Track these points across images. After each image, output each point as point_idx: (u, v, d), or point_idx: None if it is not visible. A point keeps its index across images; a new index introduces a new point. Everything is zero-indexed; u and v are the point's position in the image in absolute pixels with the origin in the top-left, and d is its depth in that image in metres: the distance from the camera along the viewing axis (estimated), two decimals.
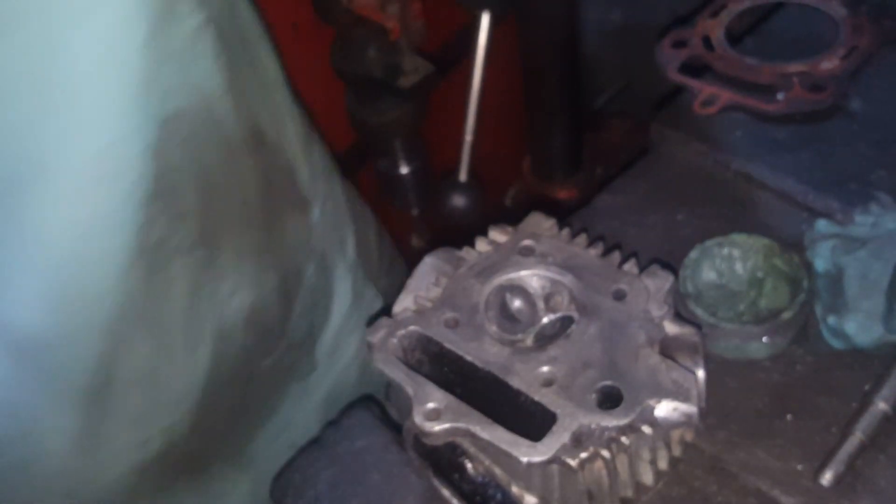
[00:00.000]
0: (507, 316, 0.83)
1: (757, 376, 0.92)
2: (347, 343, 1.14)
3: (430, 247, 0.90)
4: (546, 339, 0.81)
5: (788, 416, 0.89)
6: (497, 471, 0.77)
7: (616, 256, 0.85)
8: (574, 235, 0.87)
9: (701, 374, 0.79)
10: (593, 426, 0.72)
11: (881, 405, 0.85)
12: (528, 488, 0.78)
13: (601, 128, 1.71)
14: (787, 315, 0.91)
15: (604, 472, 0.75)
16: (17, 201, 0.76)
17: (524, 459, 0.71)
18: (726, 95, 1.12)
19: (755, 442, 0.87)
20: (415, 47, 1.22)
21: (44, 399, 0.84)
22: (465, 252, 0.87)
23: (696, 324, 0.86)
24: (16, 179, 0.76)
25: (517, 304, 0.83)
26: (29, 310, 0.80)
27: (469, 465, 0.85)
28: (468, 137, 1.33)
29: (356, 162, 1.34)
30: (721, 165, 1.10)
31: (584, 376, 0.75)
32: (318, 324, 1.10)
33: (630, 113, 1.71)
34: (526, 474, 0.76)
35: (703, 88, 1.14)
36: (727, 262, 0.97)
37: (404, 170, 1.35)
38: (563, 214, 0.99)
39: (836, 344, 0.92)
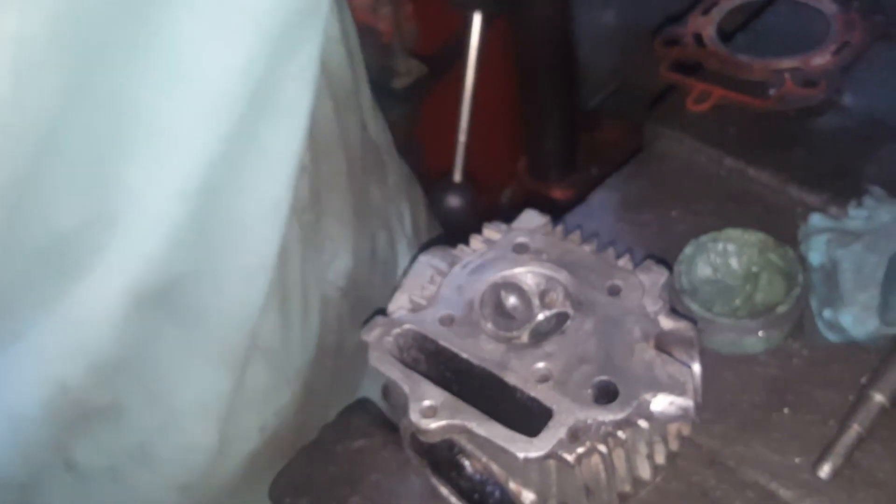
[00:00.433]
0: (502, 313, 0.83)
1: (753, 370, 0.92)
2: None
3: (425, 246, 0.90)
4: (541, 335, 0.81)
5: (785, 410, 0.89)
6: (494, 467, 0.77)
7: (610, 252, 0.85)
8: (568, 232, 0.88)
9: (697, 368, 0.79)
10: (589, 421, 0.72)
11: (878, 397, 0.85)
12: (526, 484, 0.78)
13: (596, 128, 1.71)
14: (782, 309, 0.91)
15: (601, 467, 0.75)
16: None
17: (521, 455, 0.71)
18: (718, 92, 1.13)
19: (753, 436, 0.87)
20: (408, 49, 1.22)
21: (196, 362, 0.82)
22: (460, 250, 0.87)
23: (691, 318, 0.86)
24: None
25: (512, 301, 0.84)
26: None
27: (467, 463, 0.85)
28: (462, 138, 1.34)
29: None
30: (714, 162, 1.10)
31: (580, 372, 0.76)
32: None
33: (624, 113, 1.71)
34: (523, 470, 0.76)
35: (695, 85, 1.14)
36: (722, 257, 0.97)
37: None
38: (558, 214, 0.99)
39: (832, 337, 0.92)
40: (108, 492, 0.83)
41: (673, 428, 0.81)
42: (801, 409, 0.89)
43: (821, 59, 1.12)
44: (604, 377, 0.75)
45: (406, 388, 0.76)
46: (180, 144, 0.72)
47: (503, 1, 1.34)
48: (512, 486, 0.78)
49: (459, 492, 0.87)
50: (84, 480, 0.81)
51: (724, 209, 1.05)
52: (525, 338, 0.81)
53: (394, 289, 0.86)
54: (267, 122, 0.76)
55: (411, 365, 0.79)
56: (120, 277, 0.74)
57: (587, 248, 0.85)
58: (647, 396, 0.74)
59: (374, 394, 0.98)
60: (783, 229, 1.00)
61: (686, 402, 0.75)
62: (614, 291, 0.81)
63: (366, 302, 1.01)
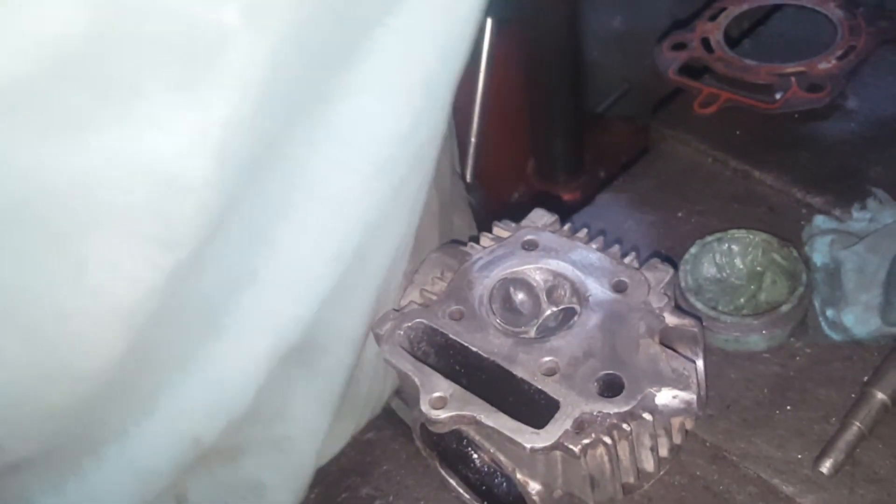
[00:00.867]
0: (510, 308, 0.85)
1: (757, 368, 0.93)
2: None
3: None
4: (549, 330, 0.83)
5: (788, 407, 0.90)
6: (502, 458, 0.79)
7: (616, 250, 0.87)
8: (575, 231, 0.89)
9: (700, 363, 0.80)
10: (595, 413, 0.74)
11: (879, 395, 0.87)
12: (533, 475, 0.80)
13: (603, 131, 1.73)
14: (785, 308, 0.92)
15: (605, 458, 0.76)
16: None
17: (528, 446, 0.73)
18: (725, 95, 1.14)
19: (755, 432, 0.89)
20: None
21: (311, 408, 0.84)
22: (470, 247, 0.89)
23: (696, 316, 0.87)
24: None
25: (520, 297, 0.85)
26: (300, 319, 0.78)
27: (475, 456, 0.87)
28: (472, 139, 1.35)
29: None
30: (720, 163, 1.12)
31: (586, 366, 0.77)
32: None
33: (632, 116, 1.73)
34: (530, 461, 0.78)
35: (702, 89, 1.16)
36: (727, 256, 0.99)
37: None
38: (566, 215, 1.01)
39: (835, 336, 0.94)
40: None
41: (677, 421, 0.82)
42: (803, 407, 0.90)
43: (826, 64, 1.14)
44: (609, 371, 0.76)
45: (417, 380, 0.78)
46: (343, 209, 0.74)
47: (514, 8, 1.36)
48: (519, 476, 0.80)
49: (467, 483, 0.89)
50: None
51: (729, 210, 1.07)
52: (532, 332, 0.83)
53: (405, 284, 0.88)
54: (414, 180, 0.79)
55: (422, 358, 0.81)
56: (266, 337, 0.75)
57: (594, 245, 0.87)
58: (652, 390, 0.76)
59: None
60: (787, 230, 1.01)
61: (689, 396, 0.76)
62: (620, 288, 0.82)
63: None
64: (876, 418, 0.87)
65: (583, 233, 0.89)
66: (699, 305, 0.93)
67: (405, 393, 0.91)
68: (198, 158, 0.59)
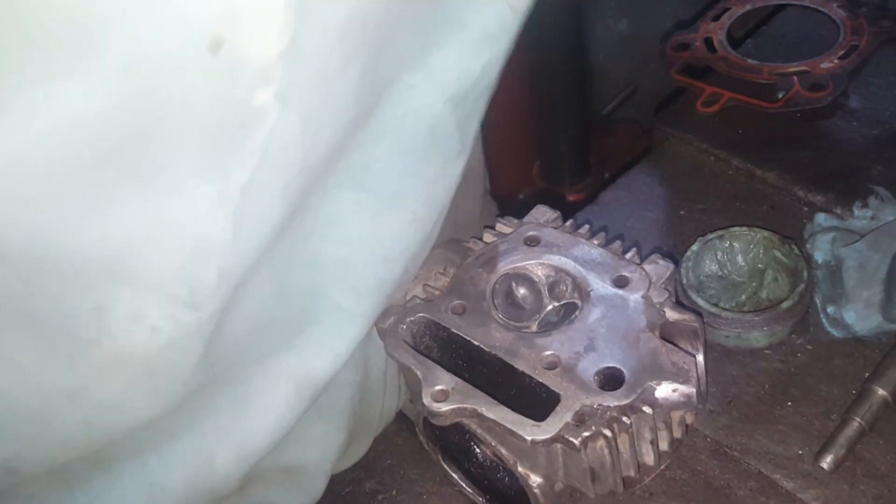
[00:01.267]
0: (512, 304, 0.86)
1: (758, 364, 0.94)
2: None
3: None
4: (550, 324, 0.83)
5: (789, 403, 0.91)
6: (503, 451, 0.80)
7: (618, 246, 0.87)
8: (577, 227, 0.90)
9: (700, 357, 0.81)
10: (596, 406, 0.75)
11: (880, 391, 0.87)
12: (534, 468, 0.80)
13: (609, 133, 1.73)
14: (787, 305, 0.93)
15: (606, 451, 0.77)
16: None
17: (529, 438, 0.73)
18: (728, 95, 1.15)
19: (756, 427, 0.89)
20: None
21: (317, 430, 0.86)
22: (473, 243, 0.90)
23: (696, 311, 0.88)
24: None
25: (522, 292, 0.86)
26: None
27: (477, 450, 0.88)
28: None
29: None
30: (723, 162, 1.13)
31: (587, 359, 0.78)
32: None
33: (637, 119, 1.73)
34: (531, 454, 0.79)
35: (705, 88, 1.17)
36: (728, 254, 1.00)
37: None
38: (569, 215, 1.02)
39: (836, 332, 0.94)
40: None
41: (677, 415, 0.83)
42: (804, 403, 0.91)
43: (828, 64, 1.15)
44: (610, 364, 0.77)
45: (419, 374, 0.78)
46: (358, 247, 0.76)
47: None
48: (520, 469, 0.80)
49: (469, 477, 0.89)
50: None
51: (731, 208, 1.08)
52: (534, 327, 0.84)
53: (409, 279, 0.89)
54: (427, 212, 0.81)
55: (424, 352, 0.82)
56: (290, 384, 0.76)
57: (595, 241, 0.88)
58: (652, 384, 0.76)
59: None
60: (789, 228, 1.02)
61: (689, 389, 0.77)
62: (621, 283, 0.83)
63: None
64: (877, 414, 0.87)
65: (584, 229, 0.90)
66: (701, 302, 0.94)
67: (408, 388, 0.91)
68: (218, 222, 0.61)
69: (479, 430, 0.80)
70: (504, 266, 0.86)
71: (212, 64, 0.54)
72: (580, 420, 0.75)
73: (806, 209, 1.05)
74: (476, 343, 0.81)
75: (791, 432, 0.89)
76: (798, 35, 1.23)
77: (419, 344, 0.83)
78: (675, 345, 0.81)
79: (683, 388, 0.77)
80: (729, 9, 1.26)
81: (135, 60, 0.53)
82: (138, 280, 0.61)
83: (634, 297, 0.82)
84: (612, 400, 0.75)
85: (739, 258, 1.00)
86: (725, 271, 1.00)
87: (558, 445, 0.76)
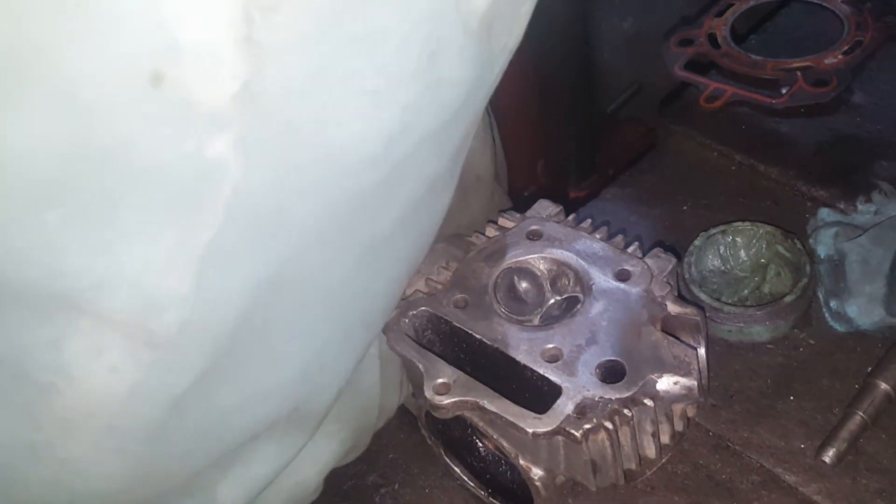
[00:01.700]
0: (514, 297, 0.86)
1: (760, 359, 0.94)
2: None
3: None
4: (552, 318, 0.84)
5: (791, 397, 0.91)
6: (505, 444, 0.80)
7: (620, 240, 0.88)
8: (579, 222, 0.90)
9: (702, 350, 0.81)
10: (597, 398, 0.75)
11: (883, 385, 0.87)
12: (535, 461, 0.80)
13: (614, 131, 1.73)
14: (789, 299, 0.93)
15: (607, 444, 0.77)
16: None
17: (530, 430, 0.74)
18: (731, 90, 1.15)
19: (758, 421, 0.89)
20: None
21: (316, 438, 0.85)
22: (475, 237, 0.90)
23: (698, 305, 0.88)
24: None
25: (524, 285, 0.87)
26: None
27: (479, 444, 0.88)
28: None
29: None
30: (726, 158, 1.13)
31: (589, 352, 0.78)
32: None
33: (642, 116, 1.73)
34: (533, 447, 0.79)
35: (708, 84, 1.16)
36: (731, 248, 1.00)
37: None
38: (573, 211, 1.02)
39: (839, 327, 0.94)
40: None
41: (678, 408, 0.83)
42: (806, 397, 0.91)
43: (832, 59, 1.14)
44: (611, 357, 0.77)
45: (421, 367, 0.79)
46: (330, 295, 0.72)
47: None
48: (521, 462, 0.80)
49: (471, 471, 0.90)
50: None
51: (734, 203, 1.08)
52: (536, 321, 0.84)
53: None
54: (407, 253, 0.79)
55: (427, 346, 0.82)
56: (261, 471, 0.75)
57: (597, 235, 0.88)
58: (653, 376, 0.77)
59: None
60: (792, 224, 1.02)
61: (690, 382, 0.77)
62: (623, 277, 0.83)
63: None
64: (879, 408, 0.87)
65: (587, 223, 0.90)
66: (703, 296, 0.94)
67: (410, 381, 0.92)
68: (176, 274, 0.58)
69: (480, 424, 0.80)
70: (506, 260, 0.87)
71: (154, 100, 0.51)
72: (581, 413, 0.75)
73: (809, 204, 1.05)
74: (478, 336, 0.81)
75: (793, 426, 0.89)
76: (802, 31, 1.23)
77: (421, 337, 0.84)
78: (677, 338, 0.81)
79: (685, 381, 0.77)
80: (732, 4, 1.26)
81: (69, 91, 0.50)
82: (96, 313, 0.58)
83: (636, 290, 0.82)
84: (614, 392, 0.75)
85: (742, 253, 1.00)
86: (728, 266, 1.00)
87: (560, 438, 0.76)
